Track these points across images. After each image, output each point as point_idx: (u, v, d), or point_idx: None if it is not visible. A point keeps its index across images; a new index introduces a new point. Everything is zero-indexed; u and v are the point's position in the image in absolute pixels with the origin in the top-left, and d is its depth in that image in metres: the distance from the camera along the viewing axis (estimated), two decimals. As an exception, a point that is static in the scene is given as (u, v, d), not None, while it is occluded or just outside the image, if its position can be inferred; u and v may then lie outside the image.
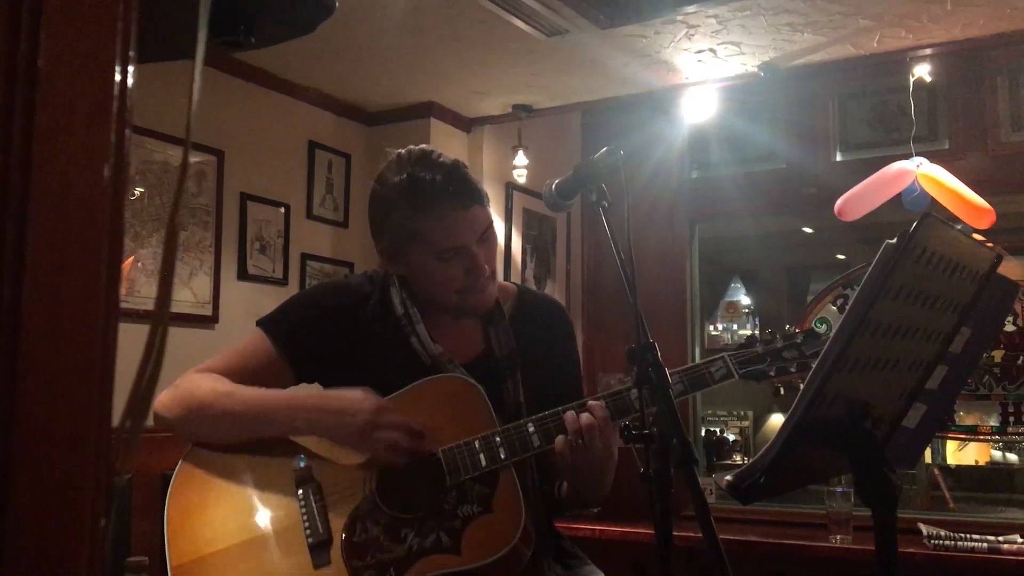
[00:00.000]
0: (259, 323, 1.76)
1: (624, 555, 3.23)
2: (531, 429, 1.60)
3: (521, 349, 1.77)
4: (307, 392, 1.68)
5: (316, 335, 1.73)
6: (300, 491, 1.61)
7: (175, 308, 3.34)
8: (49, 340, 0.57)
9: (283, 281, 3.81)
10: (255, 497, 1.62)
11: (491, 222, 1.73)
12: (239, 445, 1.65)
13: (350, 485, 1.61)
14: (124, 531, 2.83)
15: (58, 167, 0.55)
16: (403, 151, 1.76)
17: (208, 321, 3.45)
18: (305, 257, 3.93)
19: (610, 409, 1.60)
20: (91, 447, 0.60)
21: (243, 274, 3.64)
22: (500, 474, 1.59)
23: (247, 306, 3.59)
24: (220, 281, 3.52)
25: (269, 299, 3.67)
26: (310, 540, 1.57)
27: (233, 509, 1.62)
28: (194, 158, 3.47)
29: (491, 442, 1.59)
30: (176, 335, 3.33)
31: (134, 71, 0.56)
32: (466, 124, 4.37)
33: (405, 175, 1.68)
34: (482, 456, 1.59)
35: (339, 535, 1.57)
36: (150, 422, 3.11)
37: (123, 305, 2.98)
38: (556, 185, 1.62)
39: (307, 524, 1.58)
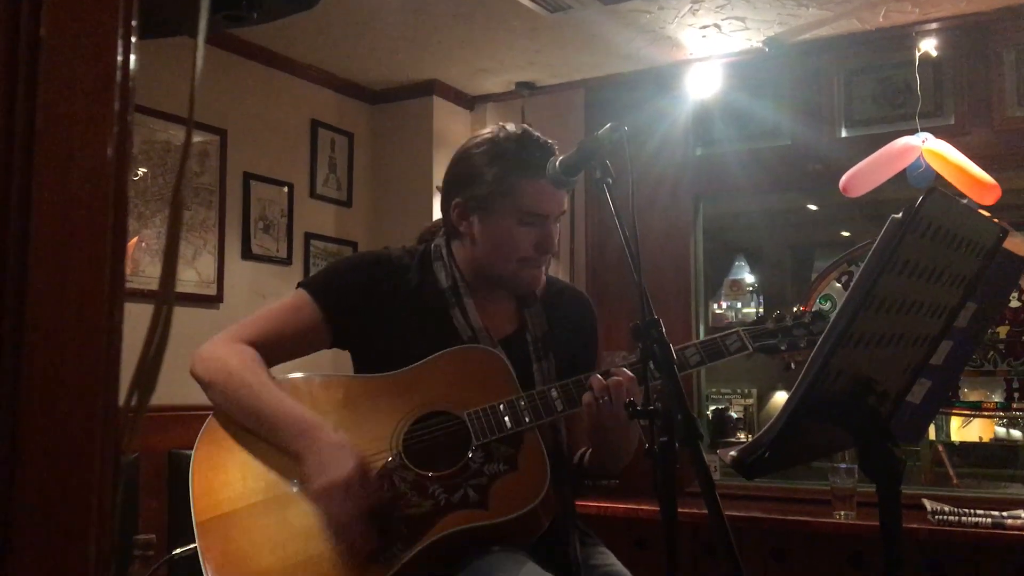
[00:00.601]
0: (303, 285, 1.78)
1: (628, 532, 3.25)
2: (554, 394, 1.66)
3: (552, 334, 1.83)
4: (319, 423, 1.62)
5: (360, 302, 1.75)
6: None
7: (179, 288, 3.35)
8: (54, 317, 0.57)
9: (287, 260, 3.82)
10: (281, 457, 1.63)
11: (566, 212, 1.81)
12: None
13: (376, 444, 1.64)
14: (131, 509, 2.85)
15: (61, 138, 0.54)
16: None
17: (213, 301, 3.46)
18: (309, 236, 3.94)
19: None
20: (98, 426, 0.60)
21: (247, 254, 3.65)
22: (525, 436, 1.65)
23: (251, 285, 3.60)
24: (224, 261, 3.53)
25: (273, 278, 3.68)
26: None
27: (260, 467, 1.63)
28: (197, 137, 3.46)
29: (515, 406, 1.65)
30: (181, 315, 3.31)
31: (135, 44, 0.56)
32: (469, 102, 4.35)
33: (521, 132, 1.78)
34: (507, 419, 1.64)
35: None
36: (159, 401, 3.12)
37: (128, 285, 2.99)
38: (560, 162, 1.62)
39: None
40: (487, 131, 1.82)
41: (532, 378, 1.75)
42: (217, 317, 3.45)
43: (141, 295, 2.93)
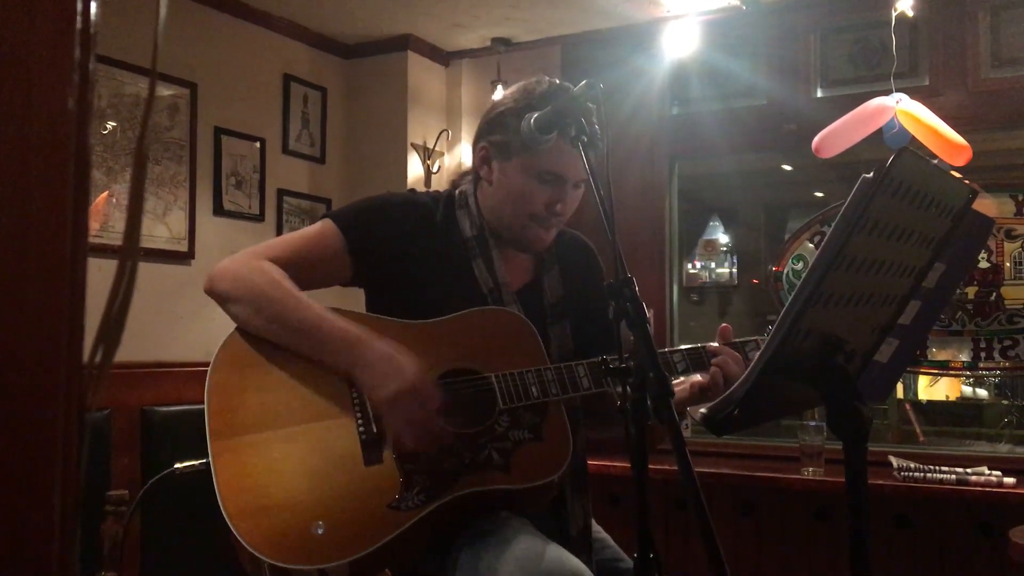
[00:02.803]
0: (331, 216, 1.74)
1: (601, 488, 3.29)
2: (581, 372, 1.65)
3: (568, 297, 1.83)
4: (367, 335, 1.60)
5: (385, 241, 1.73)
6: (353, 388, 1.60)
7: (150, 244, 3.31)
8: (14, 270, 0.56)
9: (259, 217, 3.78)
10: (305, 385, 1.59)
11: (586, 180, 1.76)
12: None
13: None
14: (103, 466, 2.85)
15: (20, 86, 0.53)
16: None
17: (184, 257, 3.43)
18: (281, 193, 3.90)
19: (688, 362, 1.72)
20: (61, 381, 0.59)
21: (219, 210, 3.61)
22: (549, 407, 1.64)
23: (223, 242, 3.56)
24: (195, 217, 3.49)
25: (245, 235, 3.64)
26: (363, 437, 1.57)
27: (281, 393, 1.59)
28: (166, 91, 3.41)
29: (543, 376, 1.64)
30: (151, 271, 3.31)
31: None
32: (444, 58, 4.31)
33: (556, 88, 1.74)
34: (534, 388, 1.63)
35: (391, 437, 1.57)
36: (132, 357, 3.11)
37: (98, 240, 2.96)
38: (535, 119, 1.61)
39: (360, 421, 1.58)
40: (529, 80, 1.81)
41: (548, 339, 1.75)
42: (189, 273, 3.43)
43: (112, 251, 2.90)
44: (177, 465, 1.78)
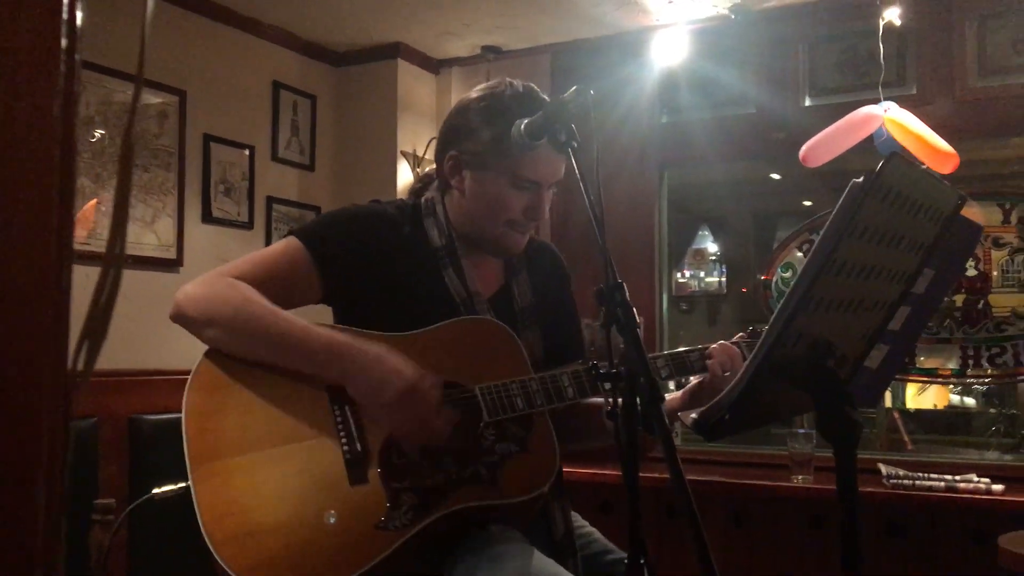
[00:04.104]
0: (295, 233, 1.69)
1: (593, 496, 3.28)
2: (566, 381, 1.63)
3: (537, 303, 1.81)
4: (353, 340, 1.58)
5: (354, 256, 1.67)
6: (335, 406, 1.56)
7: (138, 251, 3.30)
8: None
9: (248, 225, 3.77)
10: (285, 405, 1.56)
11: (560, 182, 1.76)
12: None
13: None
14: (91, 474, 2.83)
15: (4, 91, 0.52)
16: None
17: (172, 264, 3.42)
18: (271, 200, 3.89)
19: (670, 367, 1.72)
20: (46, 389, 0.59)
21: (207, 217, 3.60)
22: (535, 418, 1.62)
23: (212, 249, 3.55)
24: (184, 224, 3.48)
25: (234, 243, 3.63)
26: (347, 456, 1.53)
27: (261, 414, 1.55)
28: (155, 98, 3.40)
29: (528, 387, 1.61)
30: (140, 279, 3.29)
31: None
32: (434, 66, 4.31)
33: (524, 91, 1.72)
34: (519, 399, 1.60)
35: (376, 454, 1.54)
36: (120, 365, 3.09)
37: (86, 248, 2.93)
38: (525, 125, 1.60)
39: (344, 440, 1.54)
40: (492, 83, 1.77)
41: None
42: (177, 281, 3.39)
43: (100, 259, 2.88)
44: (156, 490, 1.74)
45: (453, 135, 1.75)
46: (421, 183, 1.91)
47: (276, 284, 1.62)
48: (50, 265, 0.58)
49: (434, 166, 1.86)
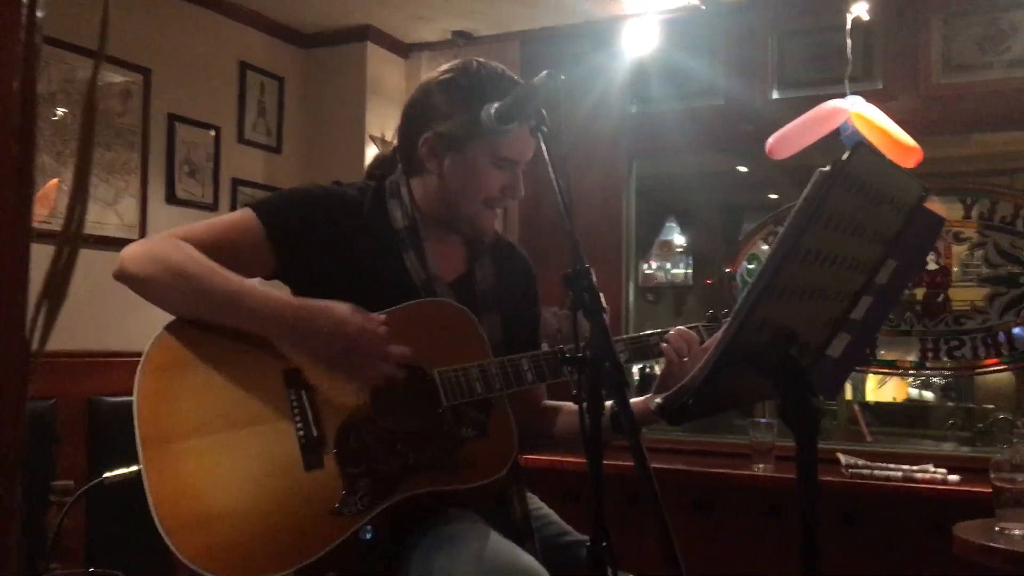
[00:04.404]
0: (251, 206, 1.67)
1: (556, 484, 3.29)
2: (525, 365, 1.63)
3: (498, 288, 1.80)
4: (293, 298, 1.58)
5: (309, 233, 1.65)
6: (291, 390, 1.55)
7: (100, 231, 3.25)
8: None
9: (213, 206, 3.73)
10: (239, 388, 1.54)
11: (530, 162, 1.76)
12: (221, 332, 1.55)
13: (342, 392, 1.57)
14: (48, 456, 2.78)
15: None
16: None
17: (135, 245, 3.37)
18: (236, 182, 3.85)
19: (630, 351, 1.72)
20: (4, 366, 0.57)
21: (171, 198, 3.56)
22: (494, 402, 1.62)
23: (176, 231, 3.51)
24: (147, 204, 3.44)
25: (199, 224, 3.59)
26: (302, 441, 1.52)
27: (214, 398, 1.53)
28: (119, 76, 3.34)
29: (487, 371, 1.61)
30: (101, 258, 3.21)
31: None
32: (404, 50, 4.28)
33: (500, 72, 1.71)
34: (478, 384, 1.60)
35: (332, 439, 1.53)
36: (80, 346, 3.04)
37: (46, 227, 2.88)
38: (495, 110, 1.59)
39: (299, 424, 1.53)
40: (457, 63, 1.74)
41: None
42: (140, 262, 3.37)
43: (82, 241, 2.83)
44: (107, 474, 1.72)
45: (424, 117, 1.72)
46: (377, 166, 1.88)
47: (223, 251, 1.59)
48: (8, 243, 0.56)
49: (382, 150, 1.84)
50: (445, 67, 1.75)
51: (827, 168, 1.09)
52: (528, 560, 1.48)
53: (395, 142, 1.86)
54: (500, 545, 1.50)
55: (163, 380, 1.54)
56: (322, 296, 1.63)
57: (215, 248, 1.58)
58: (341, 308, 1.54)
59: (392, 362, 1.55)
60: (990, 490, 2.46)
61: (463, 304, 1.69)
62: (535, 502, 1.81)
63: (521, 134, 1.65)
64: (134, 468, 1.50)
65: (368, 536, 1.56)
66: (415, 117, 1.75)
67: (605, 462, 1.27)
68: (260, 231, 1.63)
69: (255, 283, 1.57)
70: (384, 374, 1.55)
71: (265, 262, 1.65)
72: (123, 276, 1.58)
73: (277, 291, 1.60)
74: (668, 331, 1.73)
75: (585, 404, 1.23)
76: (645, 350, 1.73)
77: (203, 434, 1.50)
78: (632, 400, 1.68)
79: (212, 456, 1.49)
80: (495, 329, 1.75)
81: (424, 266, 1.71)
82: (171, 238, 1.59)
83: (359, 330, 1.52)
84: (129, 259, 1.57)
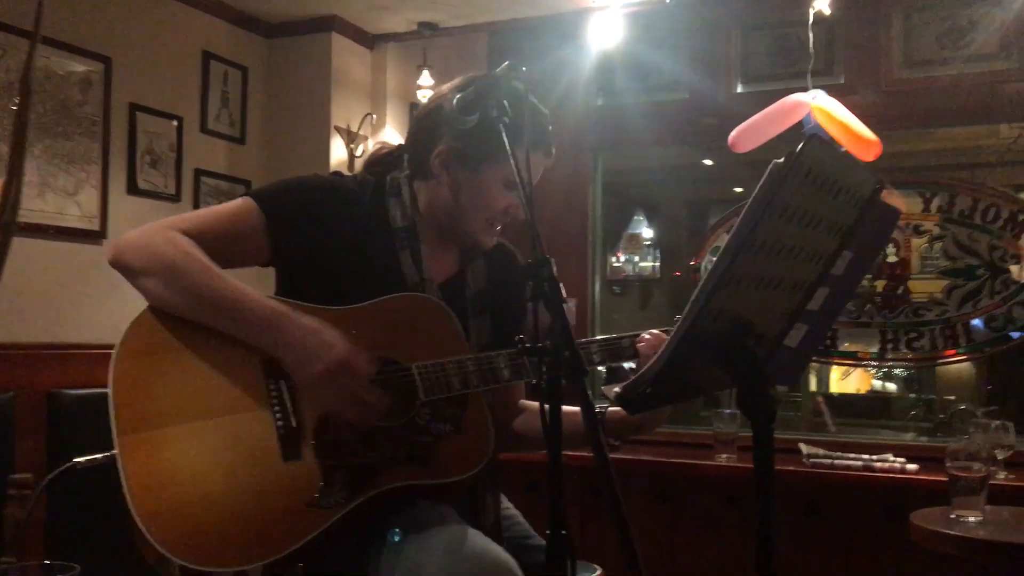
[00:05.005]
0: (252, 195, 1.67)
1: (520, 476, 3.30)
2: (502, 362, 1.62)
3: (489, 291, 1.81)
4: (289, 311, 1.55)
5: (308, 224, 1.65)
6: (269, 379, 1.54)
7: (60, 222, 3.21)
8: None
9: (175, 197, 3.69)
10: (218, 376, 1.53)
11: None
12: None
13: None
14: (7, 449, 2.75)
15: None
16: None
17: (96, 236, 3.33)
18: (199, 173, 3.81)
19: (603, 353, 1.70)
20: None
21: (133, 188, 3.51)
22: (470, 399, 1.61)
23: (137, 222, 3.42)
24: (108, 195, 3.39)
25: (161, 215, 3.50)
26: (281, 431, 1.51)
27: (192, 385, 1.52)
28: (79, 65, 3.30)
29: (464, 366, 1.60)
30: (62, 249, 3.20)
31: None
32: (369, 41, 4.26)
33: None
34: (455, 379, 1.60)
35: (311, 431, 1.53)
36: (40, 338, 3.00)
37: None
38: (457, 100, 1.59)
39: (278, 414, 1.52)
40: (480, 76, 1.72)
41: (467, 331, 1.72)
42: (100, 253, 3.32)
43: (17, 228, 2.79)
44: (77, 459, 1.69)
45: (440, 129, 1.73)
46: (379, 161, 1.87)
47: (220, 242, 1.60)
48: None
49: (380, 144, 1.84)
50: (463, 80, 1.74)
51: (781, 160, 1.10)
52: (496, 550, 1.49)
53: (363, 134, 1.85)
54: (469, 535, 1.50)
55: (140, 365, 1.52)
56: (310, 286, 1.64)
57: (212, 237, 1.59)
58: (329, 333, 1.53)
59: (370, 403, 1.54)
60: (947, 479, 2.50)
61: (451, 305, 1.69)
62: (503, 501, 1.82)
63: (535, 159, 1.66)
64: (107, 453, 1.48)
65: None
66: (430, 128, 1.75)
67: (568, 454, 1.28)
68: (261, 220, 1.64)
69: (247, 287, 1.56)
70: (357, 414, 1.54)
71: (262, 250, 1.65)
72: (118, 265, 1.57)
73: (269, 298, 1.58)
74: (640, 334, 1.72)
75: (544, 394, 1.24)
76: (617, 352, 1.72)
77: (180, 421, 1.49)
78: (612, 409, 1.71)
79: (189, 444, 1.48)
80: (483, 332, 1.77)
81: (418, 268, 1.72)
82: (168, 230, 1.58)
83: (343, 358, 1.51)
84: (125, 248, 1.57)
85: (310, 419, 1.54)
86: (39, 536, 2.75)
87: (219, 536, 1.42)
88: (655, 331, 1.72)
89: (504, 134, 1.48)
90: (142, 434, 1.46)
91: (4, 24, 2.95)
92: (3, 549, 1.81)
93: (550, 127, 1.69)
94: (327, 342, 1.51)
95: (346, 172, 1.99)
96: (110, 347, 1.54)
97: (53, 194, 3.19)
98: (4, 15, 2.95)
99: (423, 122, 1.78)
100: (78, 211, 3.28)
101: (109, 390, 1.49)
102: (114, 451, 1.45)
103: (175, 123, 3.70)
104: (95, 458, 1.64)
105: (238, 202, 1.68)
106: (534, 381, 1.28)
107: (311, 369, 1.50)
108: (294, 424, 1.53)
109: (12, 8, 2.92)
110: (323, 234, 1.66)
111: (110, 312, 3.21)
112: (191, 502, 1.43)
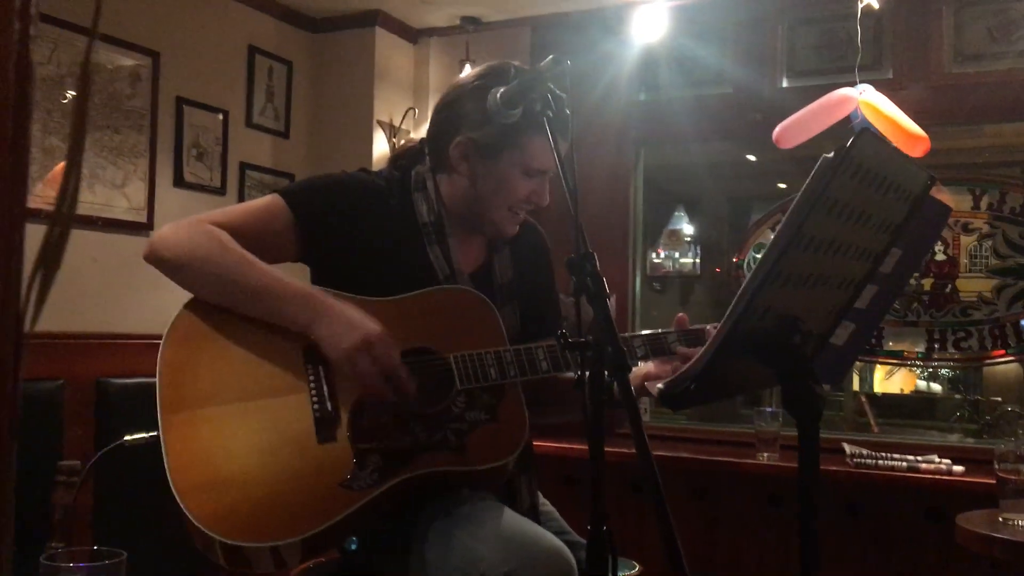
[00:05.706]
0: (280, 192, 1.70)
1: (558, 470, 3.30)
2: (541, 354, 1.64)
3: (517, 281, 1.82)
4: (325, 293, 1.60)
5: (337, 221, 1.68)
6: (308, 365, 1.58)
7: (108, 214, 3.26)
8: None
9: (221, 190, 3.74)
10: (259, 361, 1.57)
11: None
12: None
13: None
14: (56, 436, 2.81)
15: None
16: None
17: (143, 228, 3.38)
18: (244, 166, 3.85)
19: (648, 347, 1.70)
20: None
21: (179, 181, 3.56)
22: (507, 388, 1.63)
23: (183, 214, 3.46)
24: (155, 187, 3.44)
25: (206, 208, 3.57)
26: (317, 414, 1.55)
27: (234, 369, 1.57)
28: (128, 59, 3.35)
29: (502, 358, 1.62)
30: (109, 241, 3.26)
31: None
32: (413, 35, 4.27)
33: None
34: (492, 369, 1.62)
35: (346, 415, 1.56)
36: (89, 328, 3.06)
37: (53, 208, 2.90)
38: (500, 95, 1.59)
39: (315, 398, 1.56)
40: (496, 66, 1.75)
41: None
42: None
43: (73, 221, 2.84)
44: (127, 437, 1.77)
45: (461, 120, 1.73)
46: (403, 156, 1.88)
47: (252, 237, 1.63)
48: (1, 217, 0.56)
49: (413, 137, 1.85)
50: (480, 70, 1.76)
51: (831, 155, 1.09)
52: (551, 538, 1.50)
53: (405, 128, 1.87)
54: (520, 522, 1.52)
55: (185, 350, 1.58)
56: (342, 282, 1.67)
57: (244, 232, 1.62)
58: (361, 314, 1.56)
59: (401, 383, 1.56)
60: (994, 481, 2.46)
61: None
62: (539, 496, 1.82)
63: (547, 143, 1.65)
64: (153, 433, 1.53)
65: (352, 547, 1.58)
66: (447, 119, 1.76)
67: (608, 449, 1.27)
68: (289, 217, 1.66)
69: (283, 274, 1.60)
70: (390, 392, 1.56)
71: (291, 247, 1.69)
72: (154, 259, 1.61)
73: (305, 284, 1.62)
74: (671, 332, 1.72)
75: (587, 389, 1.23)
76: (662, 347, 1.72)
77: (221, 402, 1.54)
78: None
79: (228, 424, 1.53)
80: (513, 320, 1.78)
81: (448, 261, 1.74)
82: (204, 223, 1.61)
83: (375, 334, 1.54)
84: (161, 243, 1.60)
85: (346, 404, 1.57)
86: (87, 522, 2.81)
87: (252, 512, 1.46)
88: (674, 331, 1.71)
89: (548, 128, 1.48)
90: (184, 413, 1.52)
91: (55, 19, 3.01)
92: (52, 535, 1.85)
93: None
94: (361, 318, 1.55)
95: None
96: (156, 337, 1.58)
97: (102, 186, 3.25)
98: (55, 10, 3.01)
99: (441, 114, 1.79)
100: (126, 203, 3.33)
101: (157, 372, 1.54)
102: (158, 431, 1.50)
103: (221, 117, 3.74)
104: (143, 436, 1.69)
105: (268, 199, 1.70)
106: (577, 375, 1.27)
107: (345, 342, 1.53)
108: (330, 408, 1.56)
109: (63, 3, 2.97)
110: (352, 232, 1.69)
111: (156, 303, 3.25)
112: (227, 479, 1.48)
